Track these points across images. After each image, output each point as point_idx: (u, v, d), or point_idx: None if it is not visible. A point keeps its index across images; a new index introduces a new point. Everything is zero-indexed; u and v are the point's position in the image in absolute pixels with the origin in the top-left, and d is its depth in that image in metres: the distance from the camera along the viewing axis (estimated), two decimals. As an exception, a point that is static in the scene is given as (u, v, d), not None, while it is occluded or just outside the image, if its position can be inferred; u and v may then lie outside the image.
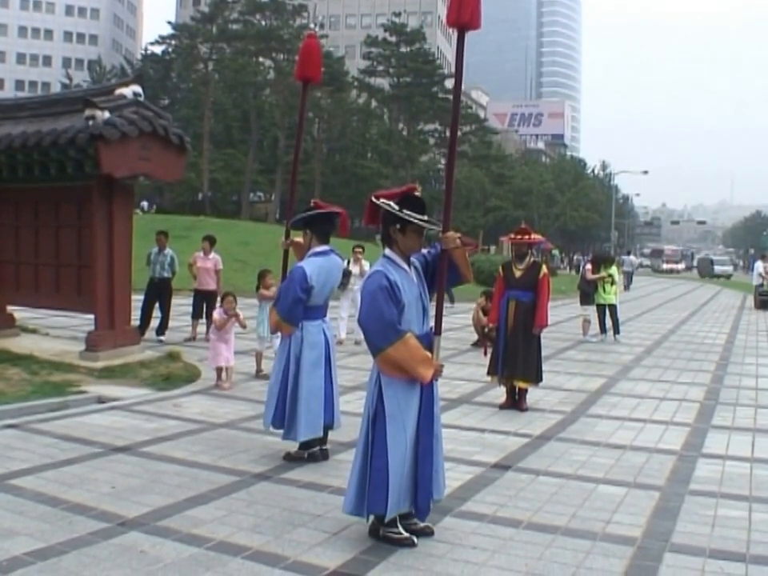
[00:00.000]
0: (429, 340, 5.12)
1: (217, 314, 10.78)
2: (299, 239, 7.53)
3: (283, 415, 7.05)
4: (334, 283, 7.38)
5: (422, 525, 5.30)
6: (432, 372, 5.01)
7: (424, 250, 5.40)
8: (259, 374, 11.12)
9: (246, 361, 11.88)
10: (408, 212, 5.06)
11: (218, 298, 11.30)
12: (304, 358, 7.04)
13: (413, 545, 5.09)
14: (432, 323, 5.24)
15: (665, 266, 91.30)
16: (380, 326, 4.94)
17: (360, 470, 5.14)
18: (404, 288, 5.04)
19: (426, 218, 5.13)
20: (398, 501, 4.99)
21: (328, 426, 7.15)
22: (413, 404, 5.06)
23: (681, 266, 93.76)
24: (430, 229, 5.20)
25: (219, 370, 10.54)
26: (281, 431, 7.15)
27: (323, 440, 7.19)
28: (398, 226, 5.11)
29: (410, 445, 5.03)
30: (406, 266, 5.18)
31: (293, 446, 7.18)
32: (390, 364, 4.98)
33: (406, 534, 5.13)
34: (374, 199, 5.23)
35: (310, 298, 7.05)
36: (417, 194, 5.26)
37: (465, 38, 5.09)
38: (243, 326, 11.05)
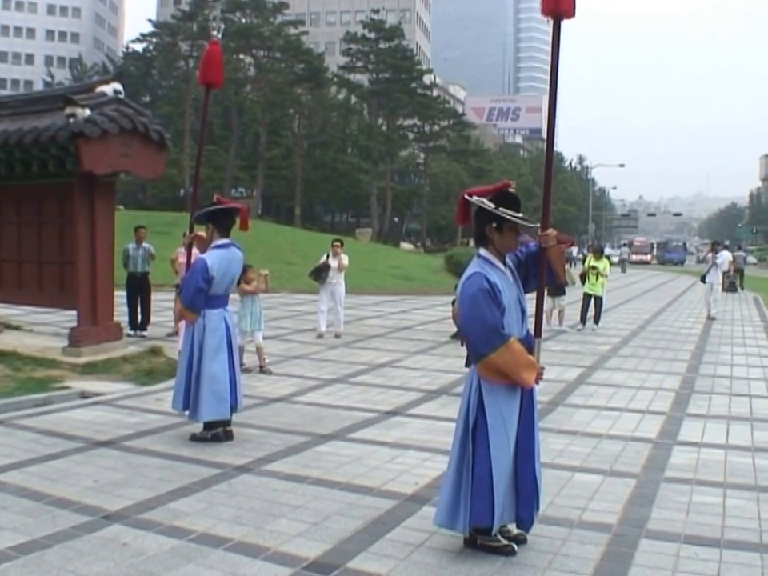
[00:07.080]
0: (529, 343, 4.91)
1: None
2: (202, 233, 7.87)
3: (189, 398, 7.41)
4: (234, 274, 7.72)
5: (515, 532, 5.07)
6: (535, 376, 4.81)
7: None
8: (241, 368, 11.14)
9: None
10: (504, 210, 4.79)
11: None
12: (206, 344, 7.37)
13: (513, 552, 4.88)
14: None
15: None
16: (483, 331, 4.68)
17: (454, 482, 4.85)
18: (503, 290, 4.78)
19: (522, 215, 4.87)
20: (502, 512, 4.77)
21: (232, 409, 7.50)
22: (515, 410, 4.83)
23: None
24: (528, 227, 4.94)
25: None
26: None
27: (227, 421, 7.52)
28: (494, 225, 4.84)
29: (512, 453, 4.83)
30: (502, 267, 4.91)
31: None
32: (493, 370, 4.72)
33: (505, 542, 4.94)
34: (467, 197, 4.95)
35: (212, 288, 7.37)
36: (511, 190, 4.95)
37: (560, 28, 4.90)
38: None
